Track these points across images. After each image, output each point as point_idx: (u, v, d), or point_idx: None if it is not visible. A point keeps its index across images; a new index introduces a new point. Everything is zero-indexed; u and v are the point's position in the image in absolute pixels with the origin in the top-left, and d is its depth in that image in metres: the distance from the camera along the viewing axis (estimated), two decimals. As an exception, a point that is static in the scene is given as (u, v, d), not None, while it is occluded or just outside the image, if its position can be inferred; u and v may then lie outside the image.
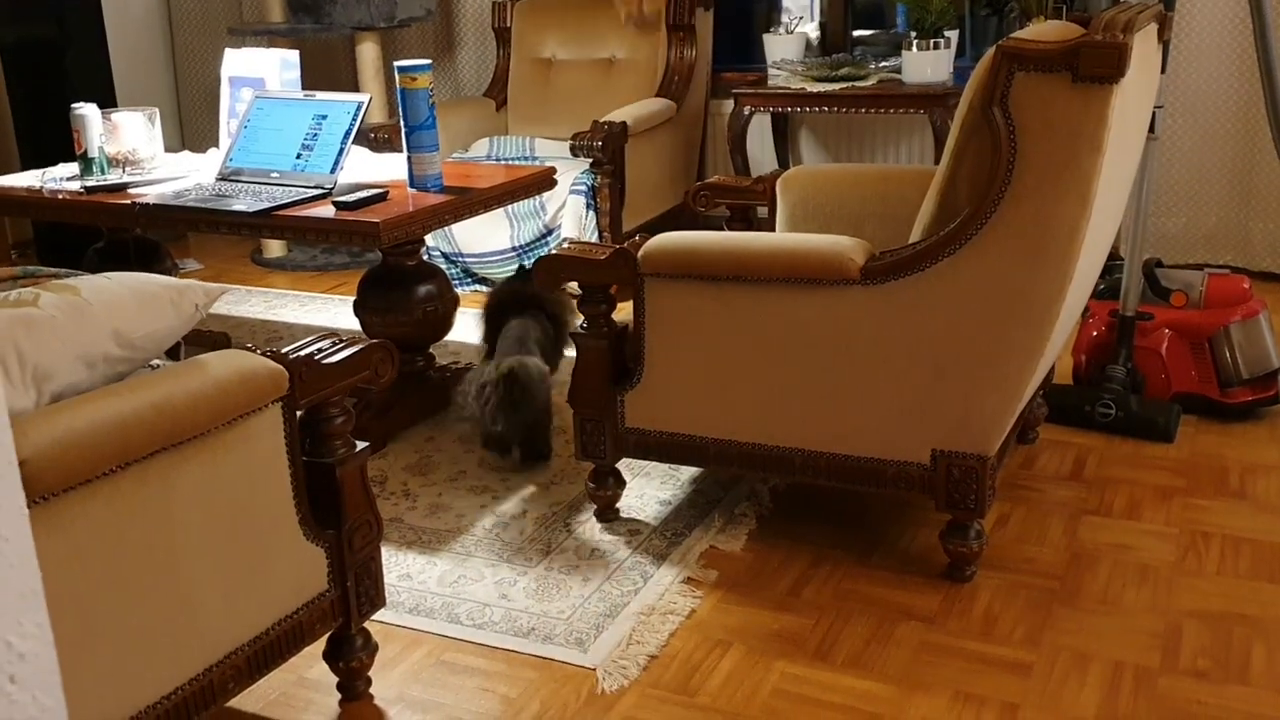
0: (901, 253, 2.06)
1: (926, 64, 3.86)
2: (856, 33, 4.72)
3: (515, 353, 2.72)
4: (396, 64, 2.78)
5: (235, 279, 4.48)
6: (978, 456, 2.09)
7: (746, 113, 4.13)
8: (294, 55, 3.18)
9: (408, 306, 2.89)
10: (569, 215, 3.94)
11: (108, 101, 4.71)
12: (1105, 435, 2.81)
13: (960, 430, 2.09)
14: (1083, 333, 3.00)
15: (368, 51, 4.56)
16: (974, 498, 2.11)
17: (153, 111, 3.24)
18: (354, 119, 2.86)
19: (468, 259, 4.13)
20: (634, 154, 4.05)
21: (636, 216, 4.19)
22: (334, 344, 1.79)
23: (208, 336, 3.64)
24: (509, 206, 3.98)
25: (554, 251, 2.31)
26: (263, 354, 1.67)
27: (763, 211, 2.90)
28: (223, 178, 2.96)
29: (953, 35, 4.01)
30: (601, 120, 3.96)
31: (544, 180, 3.12)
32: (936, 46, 3.84)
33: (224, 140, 3.27)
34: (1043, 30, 2.14)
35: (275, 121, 2.97)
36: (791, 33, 4.40)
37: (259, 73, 3.16)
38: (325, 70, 5.14)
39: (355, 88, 4.79)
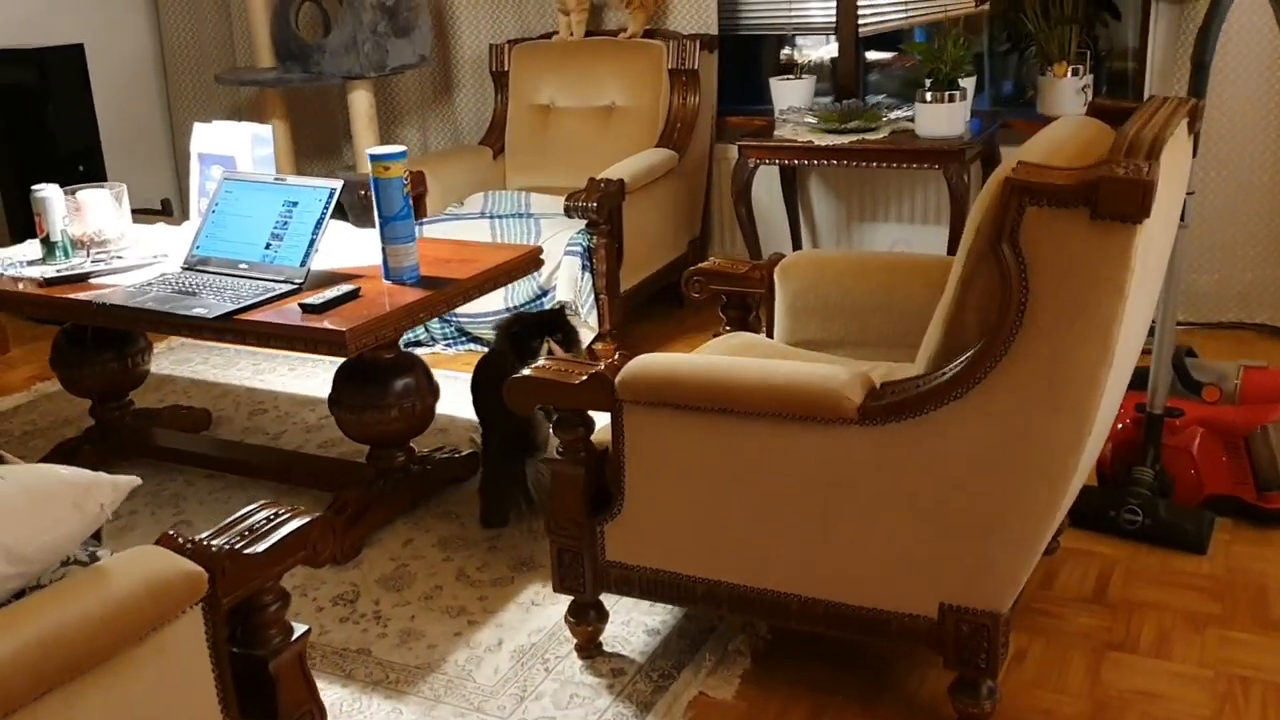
0: (903, 392, 1.86)
1: (941, 117, 3.65)
2: (871, 55, 4.52)
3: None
4: (369, 151, 2.60)
5: (224, 337, 4.32)
6: (989, 613, 1.89)
7: (751, 164, 3.93)
8: (267, 131, 3.01)
9: (383, 404, 2.71)
10: (563, 277, 3.76)
11: (93, 153, 4.58)
12: (1132, 543, 2.61)
13: (970, 584, 1.90)
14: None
15: (360, 100, 4.39)
16: (985, 656, 1.92)
17: (120, 189, 3.08)
18: (325, 207, 2.69)
19: (461, 318, 3.95)
20: (633, 210, 3.86)
21: (636, 273, 4.00)
22: (268, 520, 1.62)
23: (188, 414, 3.49)
24: (503, 267, 3.82)
25: (527, 373, 2.13)
26: (183, 543, 1.50)
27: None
28: (189, 267, 2.80)
29: (969, 83, 3.80)
30: (598, 178, 3.77)
31: (529, 263, 2.94)
32: (951, 99, 3.63)
33: (194, 218, 3.10)
34: (1058, 140, 1.93)
35: (244, 206, 2.80)
36: (800, 78, 4.20)
37: (230, 149, 2.99)
38: (319, 119, 4.97)
39: (348, 137, 4.62)
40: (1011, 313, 1.72)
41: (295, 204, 2.73)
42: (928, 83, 3.68)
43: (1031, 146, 1.90)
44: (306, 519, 1.63)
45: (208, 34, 5.16)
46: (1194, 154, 2.38)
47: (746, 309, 2.79)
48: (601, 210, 3.66)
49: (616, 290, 3.82)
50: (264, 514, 1.65)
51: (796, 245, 4.41)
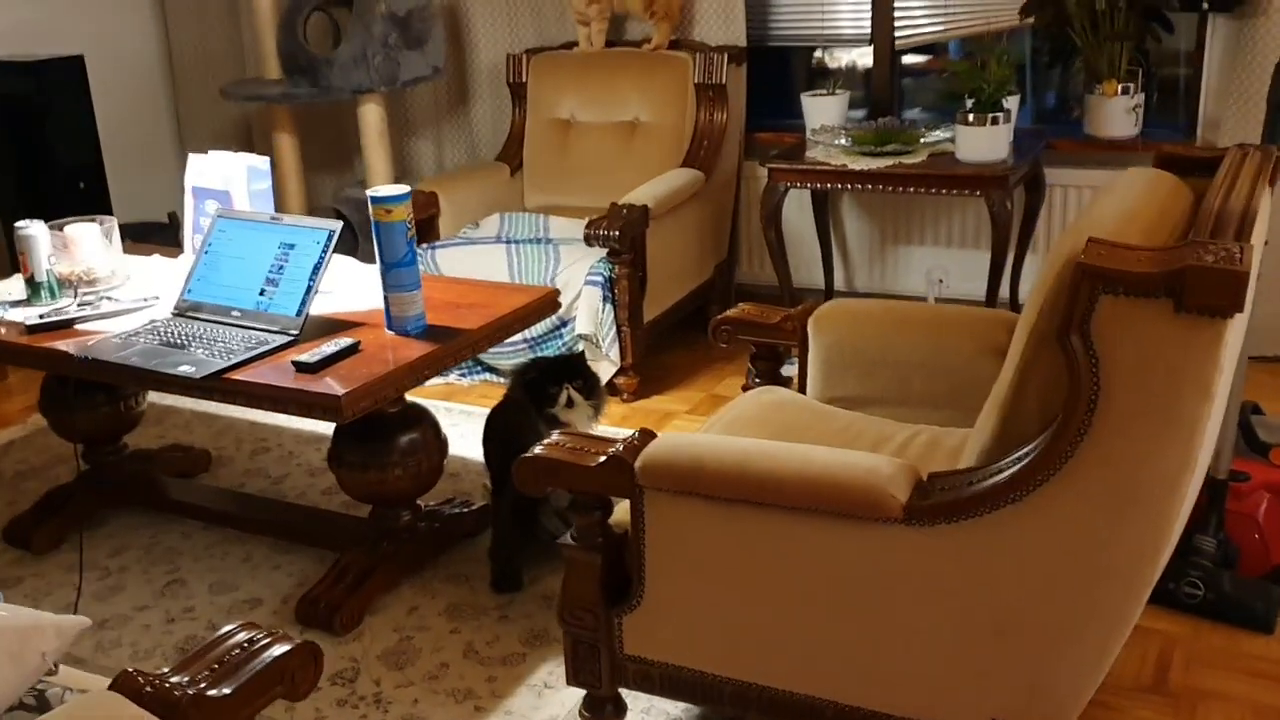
0: (954, 489, 1.66)
1: (983, 141, 3.43)
2: (908, 59, 4.30)
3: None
4: (369, 193, 2.41)
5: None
6: (1048, 734, 1.70)
7: (782, 188, 3.73)
8: (264, 163, 2.83)
9: (386, 463, 2.54)
10: (584, 308, 3.57)
11: (95, 170, 4.41)
12: (1193, 619, 2.40)
13: (1027, 701, 1.71)
14: (1166, 489, 2.58)
15: (370, 114, 4.20)
16: (1043, 781, 1.72)
17: (110, 224, 2.90)
18: (324, 250, 2.51)
19: (476, 349, 3.76)
20: (657, 236, 3.67)
21: (660, 302, 3.81)
22: (244, 648, 1.44)
23: (186, 455, 3.33)
24: (519, 296, 3.64)
25: (539, 450, 1.94)
26: (143, 684, 1.32)
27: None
28: (180, 313, 2.62)
29: (1013, 103, 3.57)
30: (620, 203, 3.58)
31: (545, 306, 2.75)
32: (995, 121, 3.41)
33: (189, 253, 2.93)
34: (1128, 204, 1.73)
35: (238, 247, 2.62)
36: (834, 93, 3.98)
37: (225, 182, 2.81)
38: (329, 131, 4.80)
39: (358, 152, 4.44)
40: (1080, 411, 1.52)
41: (292, 246, 2.55)
42: (969, 103, 3.46)
43: (1100, 214, 1.70)
44: (287, 646, 1.45)
45: (216, 42, 4.99)
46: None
47: (777, 360, 2.60)
48: (624, 239, 3.47)
49: (640, 321, 3.63)
50: (240, 637, 1.46)
51: (828, 269, 4.20)
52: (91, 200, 4.36)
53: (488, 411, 2.85)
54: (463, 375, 3.88)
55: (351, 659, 2.42)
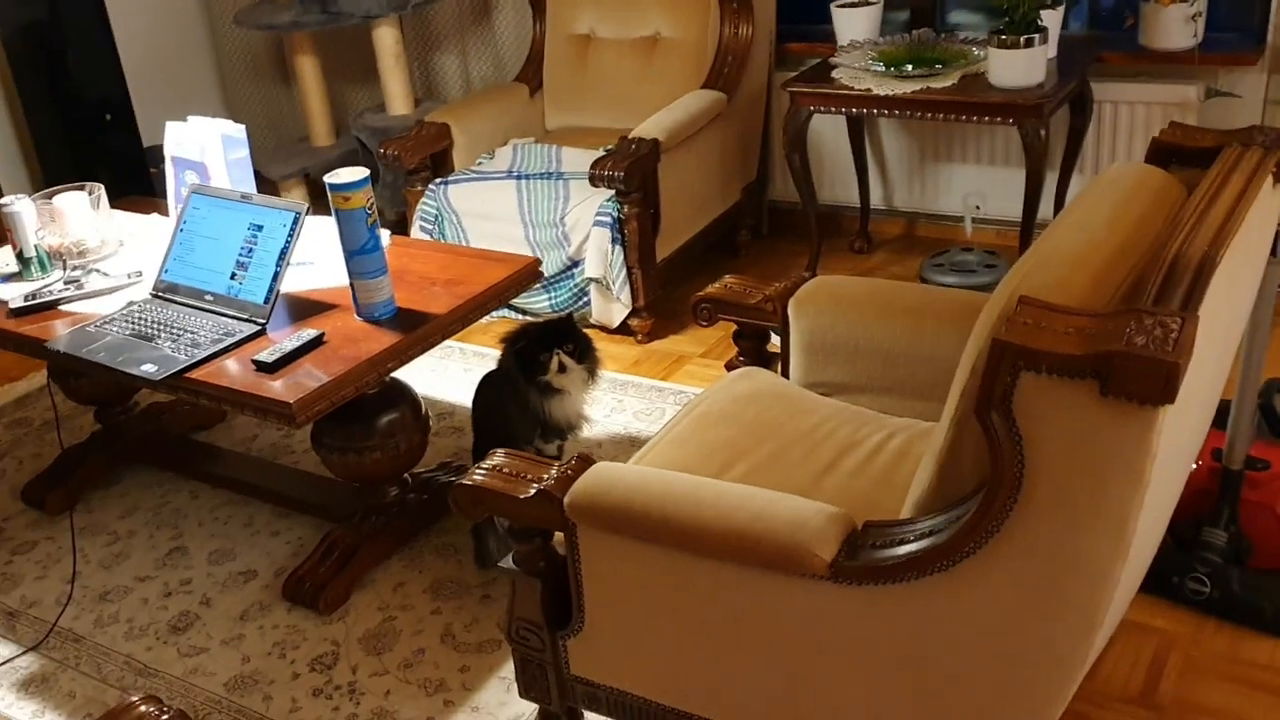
0: (885, 544, 1.56)
1: (1018, 65, 3.16)
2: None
3: None
4: (326, 180, 2.32)
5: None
6: (984, 795, 1.63)
7: (805, 112, 3.51)
8: (240, 131, 2.74)
9: (364, 445, 2.51)
10: (592, 250, 3.45)
11: (120, 99, 4.37)
12: (1197, 616, 2.28)
13: (962, 760, 1.63)
14: (1178, 471, 2.42)
15: (385, 38, 4.07)
16: (980, 837, 1.66)
17: (98, 191, 2.87)
18: (290, 234, 2.43)
19: (493, 285, 3.69)
20: (673, 167, 3.51)
21: (678, 236, 3.68)
22: (131, 731, 1.44)
23: (200, 408, 3.35)
24: (530, 233, 3.55)
25: (479, 477, 1.88)
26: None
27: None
28: (157, 293, 2.60)
29: (1054, 17, 3.28)
30: (630, 137, 3.42)
31: (525, 278, 2.66)
32: (1030, 43, 3.13)
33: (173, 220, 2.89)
34: (1098, 223, 1.56)
35: (211, 227, 2.56)
36: (866, 3, 3.71)
37: (202, 153, 2.74)
38: (348, 55, 4.65)
39: (375, 77, 4.32)
40: (1003, 490, 1.40)
41: (260, 228, 2.48)
42: (1003, 23, 3.18)
43: (1061, 240, 1.54)
44: (173, 731, 1.45)
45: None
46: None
47: (762, 338, 2.47)
48: (630, 179, 3.32)
49: (652, 262, 3.51)
50: (140, 711, 1.46)
51: (863, 188, 3.99)
52: (118, 131, 4.35)
53: (474, 393, 2.80)
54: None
55: (333, 642, 2.44)
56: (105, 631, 2.55)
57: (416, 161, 3.72)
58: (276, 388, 2.19)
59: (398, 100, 4.17)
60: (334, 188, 2.31)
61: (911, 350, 2.24)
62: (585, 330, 2.74)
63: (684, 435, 2.19)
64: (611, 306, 3.52)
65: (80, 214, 2.84)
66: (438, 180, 3.74)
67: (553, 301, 3.63)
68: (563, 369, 2.59)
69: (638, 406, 3.22)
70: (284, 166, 4.28)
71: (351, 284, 2.40)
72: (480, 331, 3.73)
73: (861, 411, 2.25)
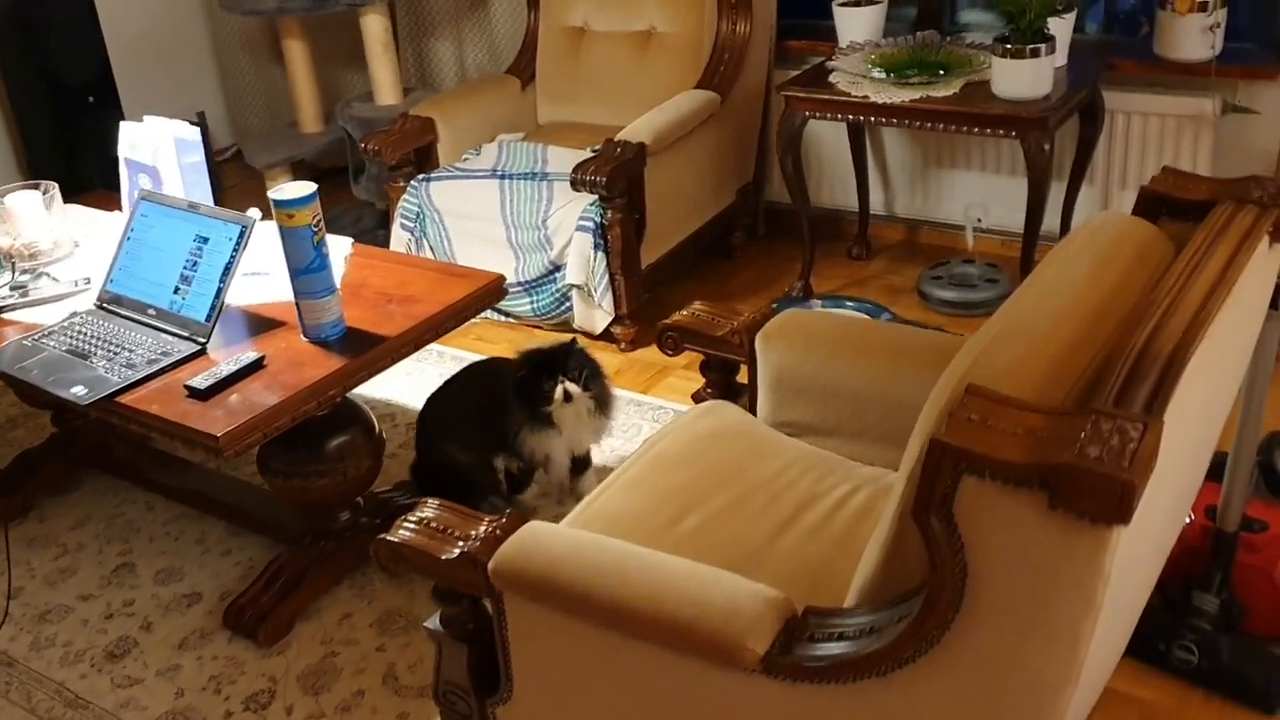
0: (826, 637, 1.43)
1: (1022, 75, 2.98)
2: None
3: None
4: (271, 195, 2.19)
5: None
6: None
7: (799, 117, 3.35)
8: (194, 134, 2.62)
9: (312, 469, 2.40)
10: (574, 256, 3.32)
11: (104, 81, 4.25)
12: (1184, 686, 2.14)
13: None
14: (1169, 527, 2.27)
15: (373, 25, 3.94)
16: None
17: (52, 190, 2.76)
18: (235, 248, 2.31)
19: (475, 287, 3.56)
20: (661, 171, 3.37)
21: (666, 241, 3.54)
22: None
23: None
24: (512, 235, 3.42)
25: (395, 538, 1.76)
26: None
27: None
28: (102, 304, 2.48)
29: (1065, 25, 3.10)
30: (615, 140, 3.27)
31: (488, 295, 2.52)
32: (1035, 53, 2.95)
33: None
34: (1068, 290, 1.41)
35: (158, 236, 2.44)
36: (877, 2, 3.53)
37: (154, 157, 2.62)
38: (341, 38, 4.51)
39: (364, 65, 4.18)
40: (943, 598, 1.26)
41: (206, 240, 2.36)
42: (1008, 30, 3.01)
43: (1025, 307, 1.40)
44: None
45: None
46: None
47: (731, 369, 2.34)
48: (614, 185, 3.18)
49: (636, 269, 3.37)
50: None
51: (863, 193, 3.82)
52: (101, 113, 4.23)
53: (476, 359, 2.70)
54: (464, 312, 3.69)
55: (271, 678, 2.34)
56: (41, 656, 2.46)
57: (398, 157, 3.58)
58: (206, 417, 2.07)
59: (386, 90, 4.04)
60: (278, 204, 2.18)
61: (884, 394, 2.09)
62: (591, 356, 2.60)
63: (639, 478, 2.06)
64: (594, 313, 3.38)
65: (32, 214, 2.73)
66: (420, 176, 3.61)
67: (535, 305, 3.50)
68: (568, 398, 2.47)
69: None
70: (270, 155, 4.14)
71: (297, 303, 2.28)
72: (460, 334, 3.60)
73: (828, 457, 2.12)
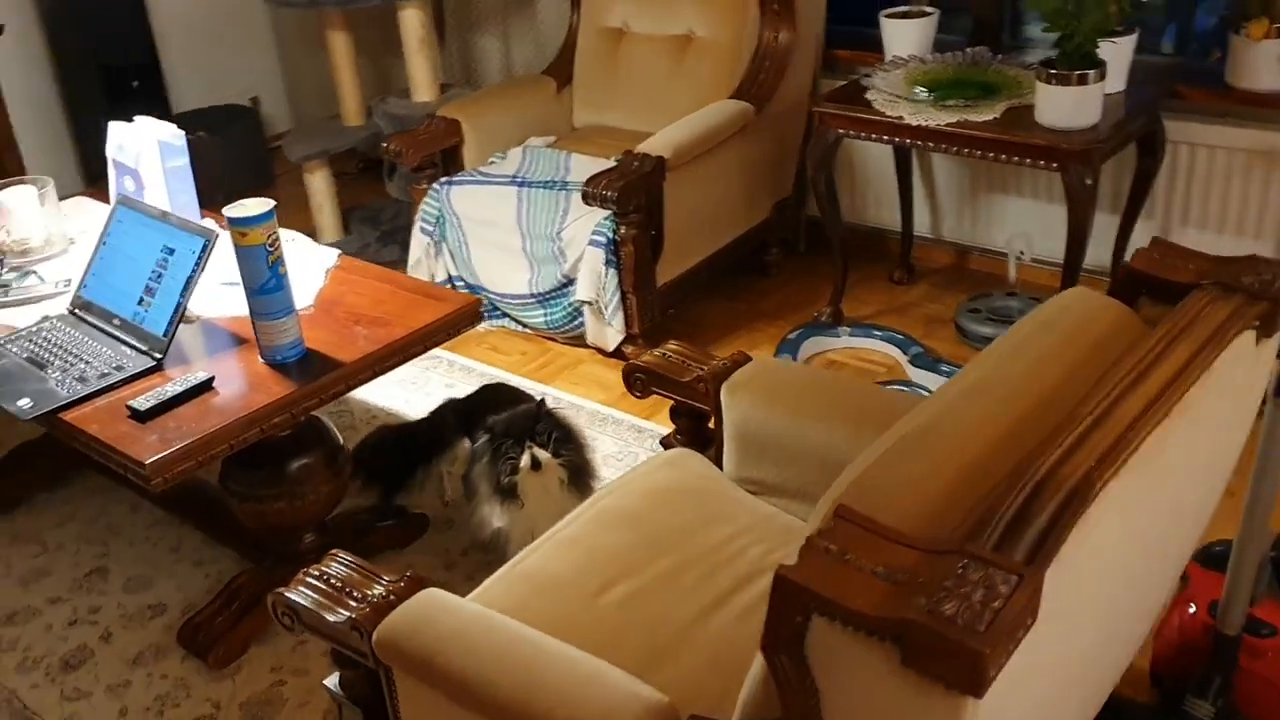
0: (694, 759, 1.29)
1: (1065, 103, 2.75)
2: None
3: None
4: (226, 212, 2.11)
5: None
6: None
7: (833, 135, 3.16)
8: (179, 138, 2.55)
9: (269, 492, 2.32)
10: (585, 271, 3.19)
11: (150, 67, 4.26)
12: (1168, 799, 1.94)
13: None
14: (1168, 618, 2.06)
15: (410, 20, 3.85)
16: None
17: (47, 185, 2.73)
18: (197, 263, 2.24)
19: (491, 294, 3.47)
20: (683, 185, 3.22)
21: (684, 260, 3.38)
22: None
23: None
24: (527, 245, 3.31)
25: (291, 593, 1.66)
26: None
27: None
28: (74, 309, 2.44)
29: (1122, 48, 2.85)
30: (634, 153, 3.13)
31: (462, 318, 2.41)
32: (1083, 80, 2.72)
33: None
34: (1031, 349, 1.24)
35: (130, 244, 2.39)
36: (920, 14, 3.32)
37: (137, 160, 2.56)
38: (383, 34, 4.44)
39: (401, 61, 4.10)
40: (800, 741, 1.11)
41: (172, 252, 2.29)
42: (1055, 53, 2.78)
43: (937, 415, 1.24)
44: None
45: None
46: None
47: (699, 416, 2.19)
48: (625, 200, 3.04)
49: (650, 287, 3.22)
50: None
51: (907, 213, 3.62)
52: (145, 99, 4.24)
53: (489, 370, 2.56)
54: (485, 318, 3.59)
55: (215, 704, 2.27)
56: (0, 661, 2.44)
57: (420, 159, 3.50)
58: (139, 442, 2.00)
59: (422, 86, 3.95)
60: (231, 221, 2.09)
61: (848, 460, 1.92)
62: (562, 419, 2.39)
63: (577, 535, 1.94)
64: (606, 330, 3.26)
65: (27, 211, 2.71)
66: (443, 180, 3.52)
67: (548, 318, 3.38)
68: (536, 465, 2.26)
69: (609, 449, 2.96)
70: (305, 146, 4.09)
71: (254, 323, 2.20)
72: (474, 341, 3.51)
73: (789, 525, 1.96)
